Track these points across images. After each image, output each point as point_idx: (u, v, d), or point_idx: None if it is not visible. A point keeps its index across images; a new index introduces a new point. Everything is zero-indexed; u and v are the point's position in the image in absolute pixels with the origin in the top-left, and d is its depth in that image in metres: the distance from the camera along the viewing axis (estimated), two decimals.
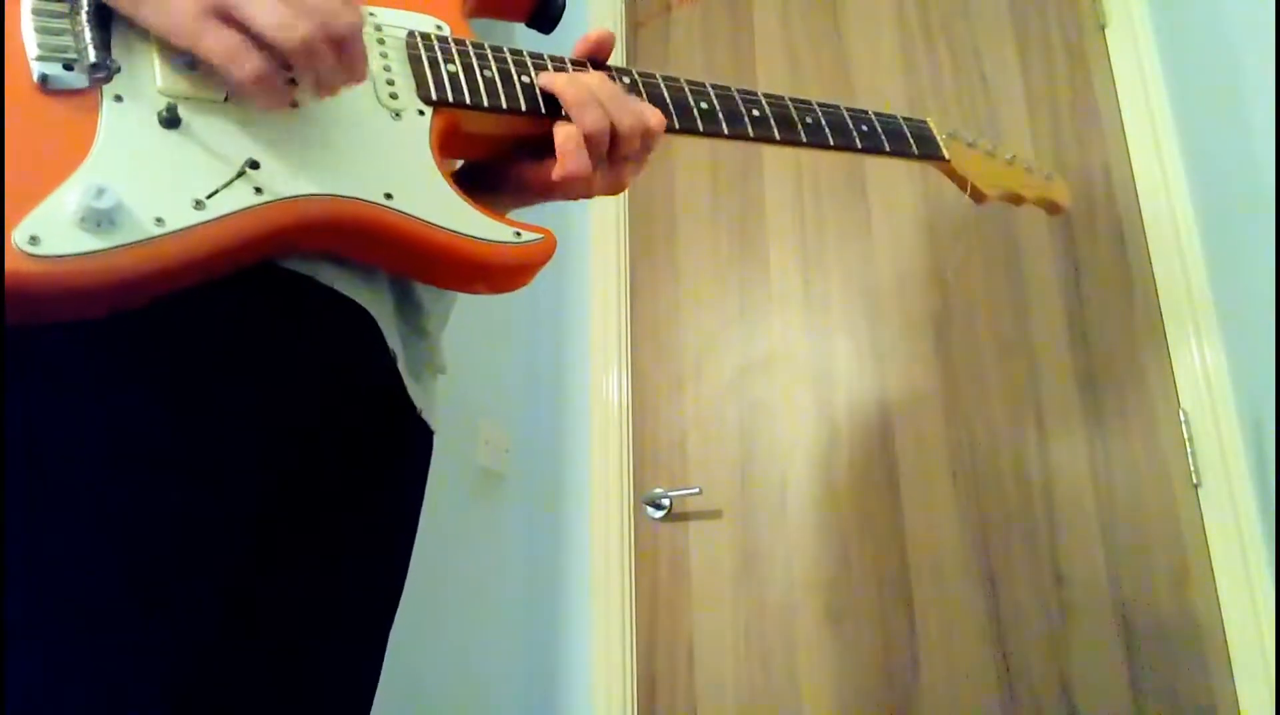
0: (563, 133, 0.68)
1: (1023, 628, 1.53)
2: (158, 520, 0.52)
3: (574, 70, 0.74)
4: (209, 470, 0.54)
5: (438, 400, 0.72)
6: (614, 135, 0.69)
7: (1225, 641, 1.40)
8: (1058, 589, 1.53)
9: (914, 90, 1.87)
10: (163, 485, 0.53)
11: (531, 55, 0.73)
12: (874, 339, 1.78)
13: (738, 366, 1.90)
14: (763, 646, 1.72)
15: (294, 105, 0.61)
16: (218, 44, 0.54)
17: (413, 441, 0.68)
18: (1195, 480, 1.48)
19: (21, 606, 0.49)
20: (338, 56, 0.57)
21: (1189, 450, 1.49)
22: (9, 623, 0.49)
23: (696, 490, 1.84)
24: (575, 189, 0.71)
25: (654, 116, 0.71)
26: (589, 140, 0.68)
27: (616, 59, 2.21)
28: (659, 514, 1.88)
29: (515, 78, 0.71)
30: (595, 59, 0.76)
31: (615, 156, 0.70)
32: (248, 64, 0.54)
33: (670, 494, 1.87)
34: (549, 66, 0.73)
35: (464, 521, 1.81)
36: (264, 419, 0.57)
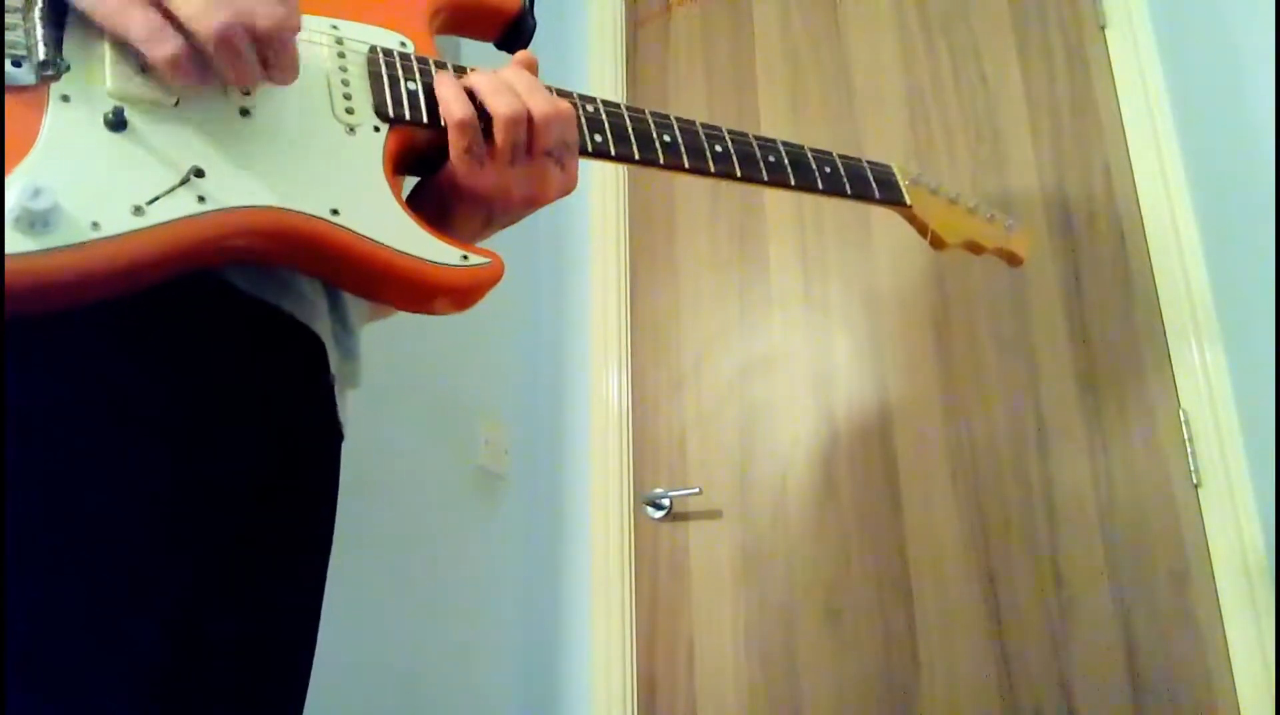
0: (445, 87, 0.68)
1: (1023, 628, 1.53)
2: (112, 544, 0.53)
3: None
4: (196, 495, 0.56)
5: (350, 411, 0.75)
6: (530, 124, 0.68)
7: (1225, 642, 1.41)
8: (1058, 589, 1.53)
9: (914, 90, 1.87)
10: (126, 504, 0.54)
11: None
12: (874, 339, 1.78)
13: (738, 366, 1.90)
14: (763, 646, 1.72)
15: (244, 114, 0.61)
16: (139, 24, 0.55)
17: (337, 459, 0.70)
18: (1195, 480, 1.48)
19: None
20: (258, 51, 0.57)
21: (1189, 450, 1.49)
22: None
23: (696, 490, 1.84)
24: (483, 182, 0.69)
25: (564, 104, 0.70)
26: (506, 125, 0.67)
27: (616, 58, 2.22)
28: (659, 514, 1.88)
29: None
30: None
31: (535, 149, 0.69)
32: (166, 45, 0.55)
33: (670, 494, 1.87)
34: None
35: (464, 521, 1.81)
36: (249, 445, 0.59)
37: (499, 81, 0.69)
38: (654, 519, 1.89)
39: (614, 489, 1.91)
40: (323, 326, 0.68)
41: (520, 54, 0.76)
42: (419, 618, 1.63)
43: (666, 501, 1.87)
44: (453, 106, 0.67)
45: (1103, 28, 1.74)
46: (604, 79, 2.16)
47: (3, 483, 0.51)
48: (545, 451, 2.02)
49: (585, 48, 2.20)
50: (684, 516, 1.87)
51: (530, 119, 0.68)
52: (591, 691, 1.82)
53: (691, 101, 2.10)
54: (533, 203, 0.72)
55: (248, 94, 0.61)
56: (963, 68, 1.84)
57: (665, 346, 1.99)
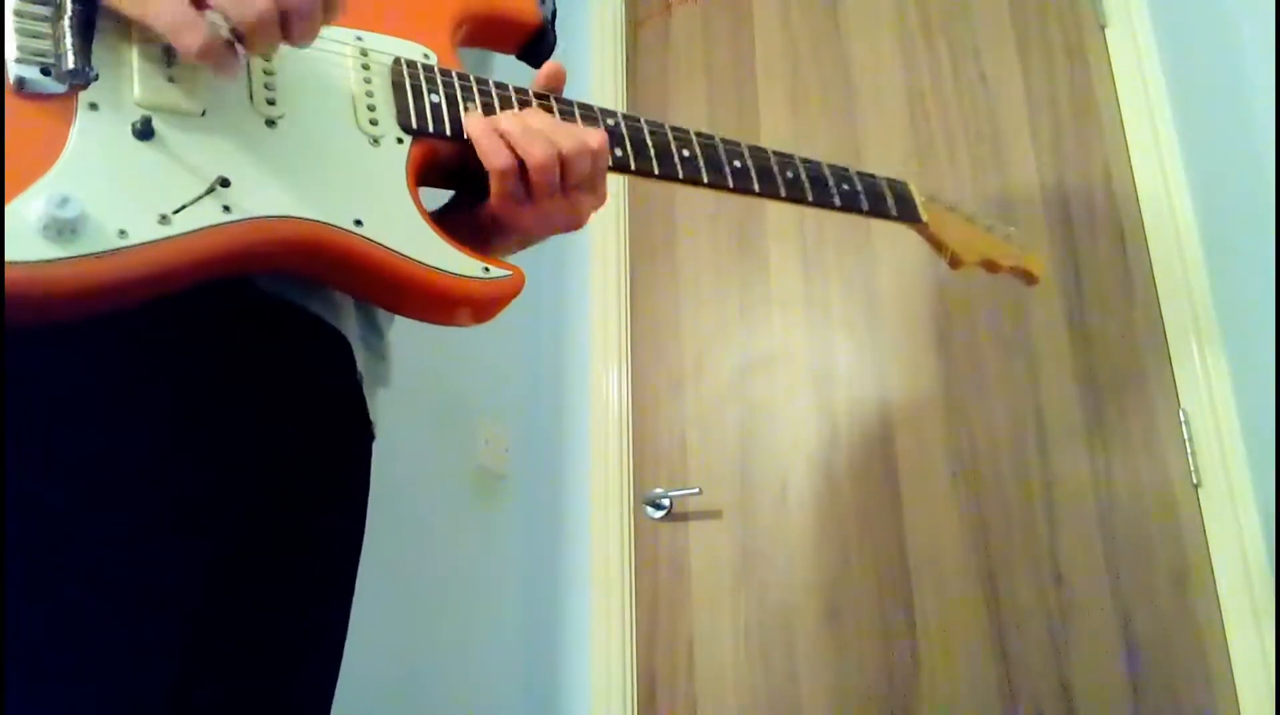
0: (477, 129, 0.69)
1: (1023, 628, 1.53)
2: (143, 547, 0.54)
3: (538, 103, 0.74)
4: (199, 495, 0.57)
5: (380, 410, 0.76)
6: (561, 162, 0.69)
7: (1225, 641, 1.40)
8: (1058, 589, 1.53)
9: (914, 90, 1.87)
10: (154, 506, 0.55)
11: (516, 90, 0.74)
12: (874, 339, 1.78)
13: (738, 366, 1.90)
14: (763, 646, 1.72)
15: (270, 124, 0.61)
16: (168, 13, 0.55)
17: (367, 458, 0.71)
18: (1195, 480, 1.48)
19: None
20: (285, 23, 0.57)
21: (1189, 450, 1.49)
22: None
23: (696, 490, 1.84)
24: (524, 219, 0.71)
25: (594, 137, 0.70)
26: (540, 171, 0.68)
27: (616, 58, 2.22)
28: (659, 514, 1.88)
29: (497, 112, 0.71)
30: (552, 91, 0.77)
31: (566, 184, 0.70)
32: (195, 34, 0.55)
33: (670, 494, 1.87)
34: (533, 102, 0.74)
35: (464, 521, 1.81)
36: (256, 444, 0.60)
37: (527, 125, 0.69)
38: (654, 519, 1.89)
39: (614, 489, 1.91)
40: (350, 327, 0.69)
41: (548, 66, 0.77)
42: (419, 617, 1.63)
43: (666, 501, 1.87)
44: (492, 156, 0.68)
45: (1103, 27, 1.74)
46: (604, 78, 2.16)
47: (3, 482, 0.52)
48: (545, 451, 2.03)
49: (585, 48, 2.20)
50: (684, 516, 1.87)
51: (561, 158, 0.69)
52: (591, 691, 1.82)
53: (691, 101, 2.10)
54: (569, 227, 0.74)
55: (273, 104, 0.62)
56: (963, 68, 1.84)
57: (665, 346, 1.99)
